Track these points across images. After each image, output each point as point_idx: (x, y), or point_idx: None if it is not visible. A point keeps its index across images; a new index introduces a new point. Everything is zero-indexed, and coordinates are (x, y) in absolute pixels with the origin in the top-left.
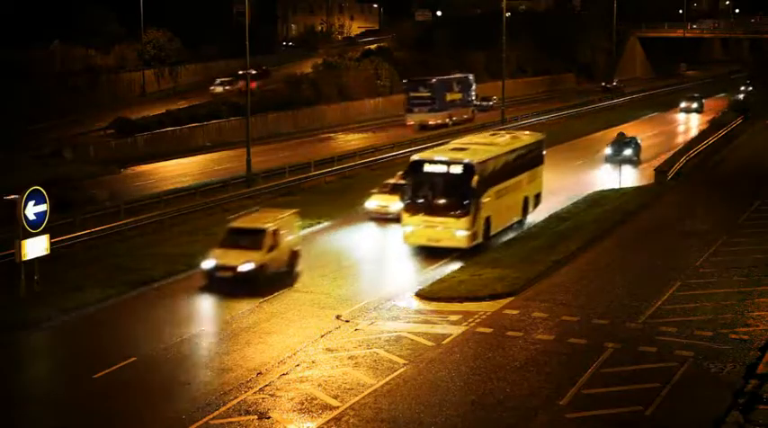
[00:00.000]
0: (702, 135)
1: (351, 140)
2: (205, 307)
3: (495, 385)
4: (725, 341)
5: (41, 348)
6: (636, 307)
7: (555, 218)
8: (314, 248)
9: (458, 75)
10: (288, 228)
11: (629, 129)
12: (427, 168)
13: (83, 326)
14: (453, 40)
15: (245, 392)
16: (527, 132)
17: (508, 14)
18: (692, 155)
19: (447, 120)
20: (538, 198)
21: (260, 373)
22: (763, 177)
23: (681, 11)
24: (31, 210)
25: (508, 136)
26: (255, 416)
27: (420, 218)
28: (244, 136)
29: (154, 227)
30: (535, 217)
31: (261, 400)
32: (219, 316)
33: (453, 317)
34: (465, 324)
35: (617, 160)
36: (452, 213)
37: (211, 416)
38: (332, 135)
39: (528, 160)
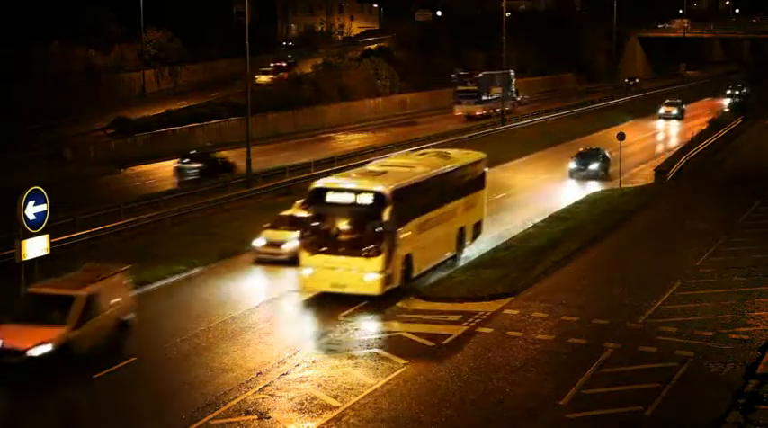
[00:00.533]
0: (702, 135)
1: (351, 140)
2: (204, 304)
3: (495, 385)
4: (725, 341)
5: None
6: (636, 306)
7: (555, 219)
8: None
9: (500, 71)
10: (112, 292)
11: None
12: (331, 197)
13: None
14: (453, 40)
15: (245, 392)
16: (463, 151)
17: (508, 14)
18: (691, 155)
19: (491, 111)
20: (478, 227)
21: (260, 373)
22: (763, 177)
23: (681, 11)
24: (31, 210)
25: (437, 156)
26: (255, 416)
27: (322, 258)
28: (244, 136)
29: (154, 227)
30: (535, 217)
31: (261, 400)
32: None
33: (453, 317)
34: (465, 324)
35: (582, 175)
36: (361, 252)
37: (211, 416)
38: (332, 135)
39: (464, 184)
